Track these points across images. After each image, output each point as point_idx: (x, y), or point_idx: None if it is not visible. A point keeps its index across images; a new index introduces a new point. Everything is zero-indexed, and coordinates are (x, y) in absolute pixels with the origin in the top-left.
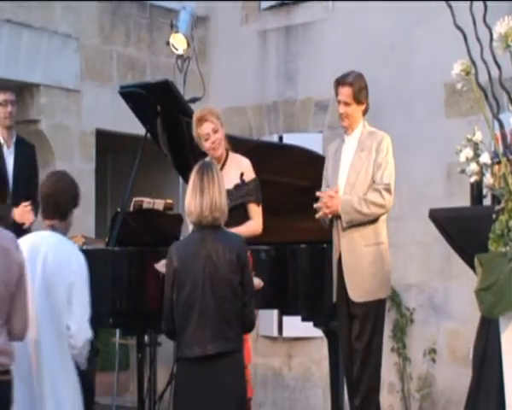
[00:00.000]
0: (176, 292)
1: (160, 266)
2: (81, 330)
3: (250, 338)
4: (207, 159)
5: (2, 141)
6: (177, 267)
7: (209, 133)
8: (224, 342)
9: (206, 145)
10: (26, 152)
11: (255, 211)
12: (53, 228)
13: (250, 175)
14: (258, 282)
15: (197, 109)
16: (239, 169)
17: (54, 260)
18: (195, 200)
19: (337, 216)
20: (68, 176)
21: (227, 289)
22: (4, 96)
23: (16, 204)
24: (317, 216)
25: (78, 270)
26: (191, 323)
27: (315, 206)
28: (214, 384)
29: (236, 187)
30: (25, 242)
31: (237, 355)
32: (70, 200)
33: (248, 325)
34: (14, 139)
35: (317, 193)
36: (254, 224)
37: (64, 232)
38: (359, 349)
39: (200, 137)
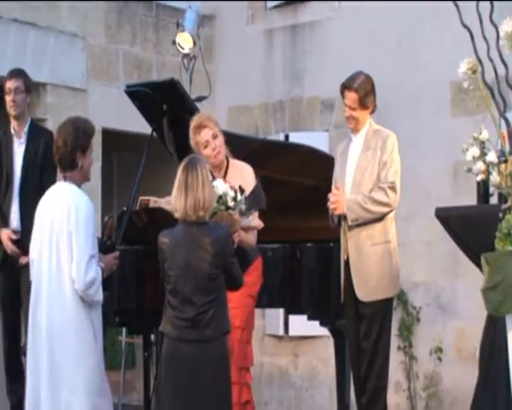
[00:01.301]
0: (164, 278)
1: (165, 202)
2: (80, 273)
3: (255, 337)
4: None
5: (13, 132)
6: (162, 256)
7: (208, 140)
8: (204, 330)
9: (206, 152)
10: (41, 142)
11: (256, 216)
12: (65, 178)
13: (251, 183)
14: (258, 223)
15: (193, 117)
16: (241, 176)
17: (59, 210)
18: (180, 199)
19: (344, 216)
20: (71, 123)
21: (208, 281)
22: (8, 83)
23: (25, 198)
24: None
25: (76, 216)
26: (175, 307)
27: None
28: (193, 366)
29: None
30: (44, 195)
31: (217, 343)
32: (73, 148)
33: (237, 281)
34: (27, 129)
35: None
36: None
37: (76, 181)
38: (367, 349)
39: (199, 145)
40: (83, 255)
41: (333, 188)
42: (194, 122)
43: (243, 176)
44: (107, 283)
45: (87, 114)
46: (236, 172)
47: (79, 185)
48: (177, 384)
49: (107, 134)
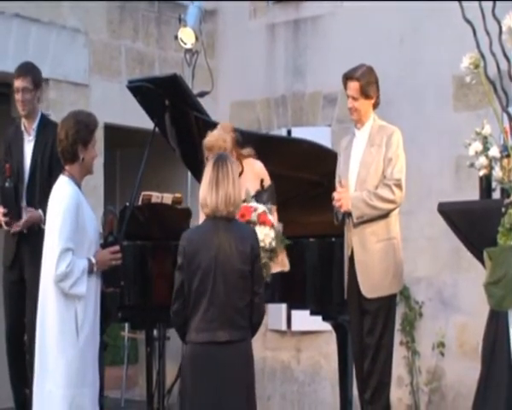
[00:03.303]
0: (187, 278)
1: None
2: (52, 266)
3: (258, 332)
4: None
5: (23, 129)
6: (189, 254)
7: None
8: (233, 331)
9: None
10: (49, 134)
11: (274, 210)
12: (64, 172)
13: (267, 181)
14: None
15: (208, 135)
16: (254, 173)
17: (50, 204)
18: (211, 194)
19: (349, 213)
20: (73, 117)
21: (238, 278)
22: (16, 82)
23: (33, 194)
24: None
25: (55, 209)
26: (201, 310)
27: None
28: (221, 371)
29: (257, 194)
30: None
31: (246, 344)
32: (74, 141)
33: (258, 316)
34: (36, 125)
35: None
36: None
37: (76, 174)
38: (370, 344)
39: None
40: (54, 248)
41: (337, 185)
42: (206, 142)
43: (255, 172)
44: (112, 278)
45: (89, 110)
46: (249, 169)
47: (79, 178)
48: (204, 383)
49: (110, 129)
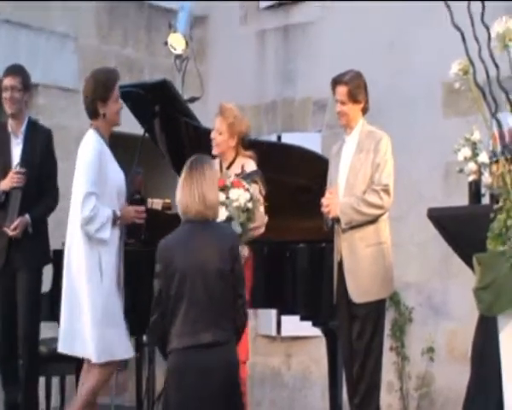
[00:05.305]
0: (165, 285)
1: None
2: (78, 209)
3: (248, 337)
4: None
5: (10, 130)
6: (166, 259)
7: (215, 128)
8: (217, 332)
9: (211, 136)
10: (38, 139)
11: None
12: (91, 125)
13: (251, 168)
14: (245, 250)
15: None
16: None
17: (78, 156)
18: (183, 195)
19: (337, 219)
20: (92, 75)
21: (217, 278)
22: (5, 80)
23: (23, 197)
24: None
25: (81, 157)
26: (181, 313)
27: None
28: (206, 374)
29: (237, 175)
30: None
31: (230, 346)
32: (93, 99)
33: (242, 319)
34: (24, 128)
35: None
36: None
37: (101, 128)
38: (359, 349)
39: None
40: (80, 191)
41: (326, 191)
42: (220, 104)
43: (245, 167)
44: (134, 231)
45: (79, 115)
46: (239, 164)
47: (105, 132)
48: (189, 395)
49: None
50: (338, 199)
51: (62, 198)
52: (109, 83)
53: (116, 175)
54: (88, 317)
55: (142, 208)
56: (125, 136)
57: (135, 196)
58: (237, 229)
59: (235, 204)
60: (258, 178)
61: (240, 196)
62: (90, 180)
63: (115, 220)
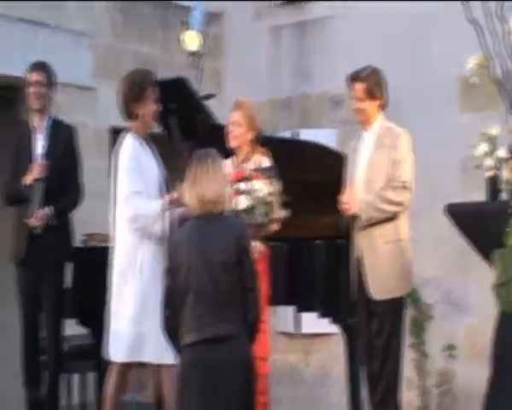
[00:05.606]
0: (173, 280)
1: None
2: (121, 208)
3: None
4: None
5: (33, 126)
6: (173, 255)
7: (232, 121)
8: (225, 326)
9: (227, 129)
10: (62, 136)
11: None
12: (128, 129)
13: (266, 164)
14: (259, 245)
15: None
16: (255, 164)
17: (119, 159)
18: (189, 190)
19: (356, 216)
20: (127, 76)
21: (222, 271)
22: (31, 76)
23: (45, 193)
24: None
25: (120, 159)
26: (188, 308)
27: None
28: (216, 369)
29: (253, 170)
30: None
31: (241, 340)
32: (127, 100)
33: (254, 313)
34: (47, 124)
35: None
36: None
37: (137, 130)
38: (379, 346)
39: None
40: (122, 193)
41: (344, 188)
42: (237, 98)
43: (258, 164)
44: None
45: (96, 113)
46: (253, 161)
47: (141, 132)
48: (200, 391)
49: (117, 133)
50: (357, 196)
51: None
52: (144, 83)
53: (154, 174)
54: (122, 314)
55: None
56: None
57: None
58: (259, 219)
59: (257, 194)
60: (272, 175)
61: (262, 187)
62: (132, 180)
63: (165, 208)
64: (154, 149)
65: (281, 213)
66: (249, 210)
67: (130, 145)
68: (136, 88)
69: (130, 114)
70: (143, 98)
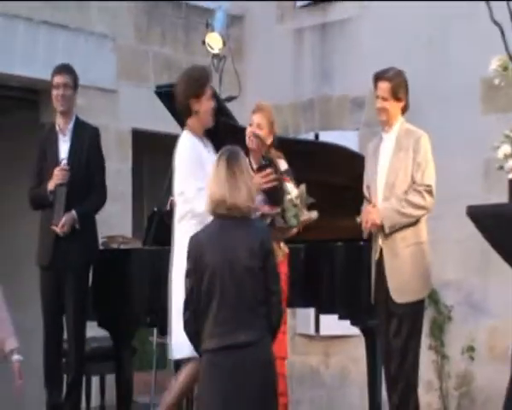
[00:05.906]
0: (196, 283)
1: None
2: (181, 209)
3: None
4: None
5: (58, 128)
6: (196, 257)
7: (253, 122)
8: (249, 332)
9: (247, 130)
10: (86, 137)
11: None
12: (185, 126)
13: (283, 166)
14: (314, 214)
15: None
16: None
17: (175, 159)
18: (215, 190)
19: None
20: (185, 73)
21: (248, 276)
22: (57, 78)
23: (70, 194)
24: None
25: (177, 158)
26: (212, 313)
27: (358, 220)
28: (238, 375)
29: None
30: None
31: (263, 344)
32: (186, 96)
33: (277, 316)
34: (71, 126)
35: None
36: None
37: (194, 127)
38: (397, 347)
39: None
40: (187, 191)
41: (365, 192)
42: (258, 102)
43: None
44: (271, 199)
45: (117, 115)
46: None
47: (199, 130)
48: (222, 398)
49: (138, 135)
50: (377, 209)
51: None
52: (202, 80)
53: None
54: (170, 324)
55: (268, 171)
56: (163, 136)
57: (260, 160)
58: (292, 222)
59: (290, 197)
60: (290, 177)
61: (292, 189)
62: (196, 177)
63: None
64: (211, 146)
65: (311, 215)
66: (281, 213)
67: (188, 144)
68: (194, 84)
69: (188, 111)
70: (202, 94)
